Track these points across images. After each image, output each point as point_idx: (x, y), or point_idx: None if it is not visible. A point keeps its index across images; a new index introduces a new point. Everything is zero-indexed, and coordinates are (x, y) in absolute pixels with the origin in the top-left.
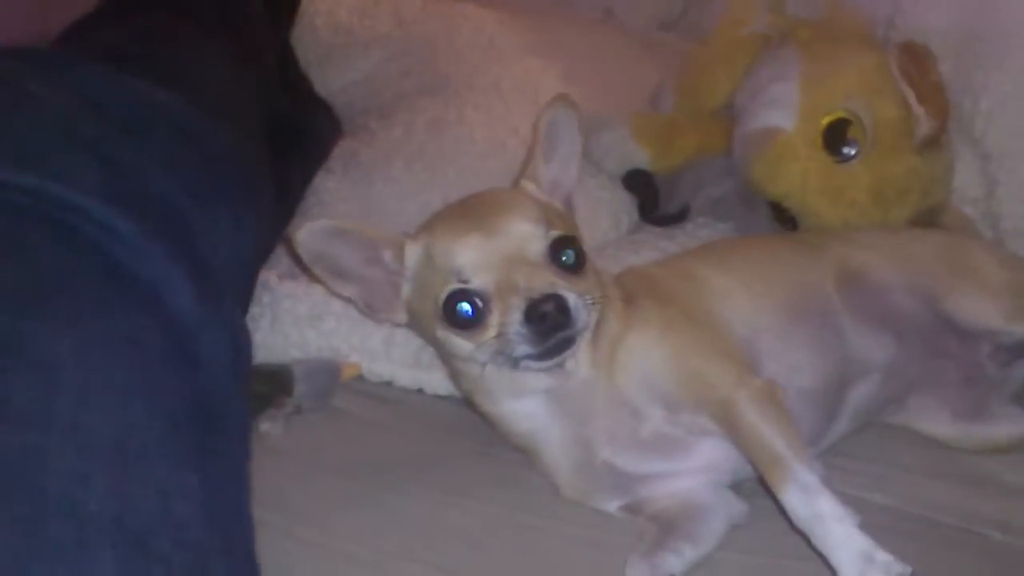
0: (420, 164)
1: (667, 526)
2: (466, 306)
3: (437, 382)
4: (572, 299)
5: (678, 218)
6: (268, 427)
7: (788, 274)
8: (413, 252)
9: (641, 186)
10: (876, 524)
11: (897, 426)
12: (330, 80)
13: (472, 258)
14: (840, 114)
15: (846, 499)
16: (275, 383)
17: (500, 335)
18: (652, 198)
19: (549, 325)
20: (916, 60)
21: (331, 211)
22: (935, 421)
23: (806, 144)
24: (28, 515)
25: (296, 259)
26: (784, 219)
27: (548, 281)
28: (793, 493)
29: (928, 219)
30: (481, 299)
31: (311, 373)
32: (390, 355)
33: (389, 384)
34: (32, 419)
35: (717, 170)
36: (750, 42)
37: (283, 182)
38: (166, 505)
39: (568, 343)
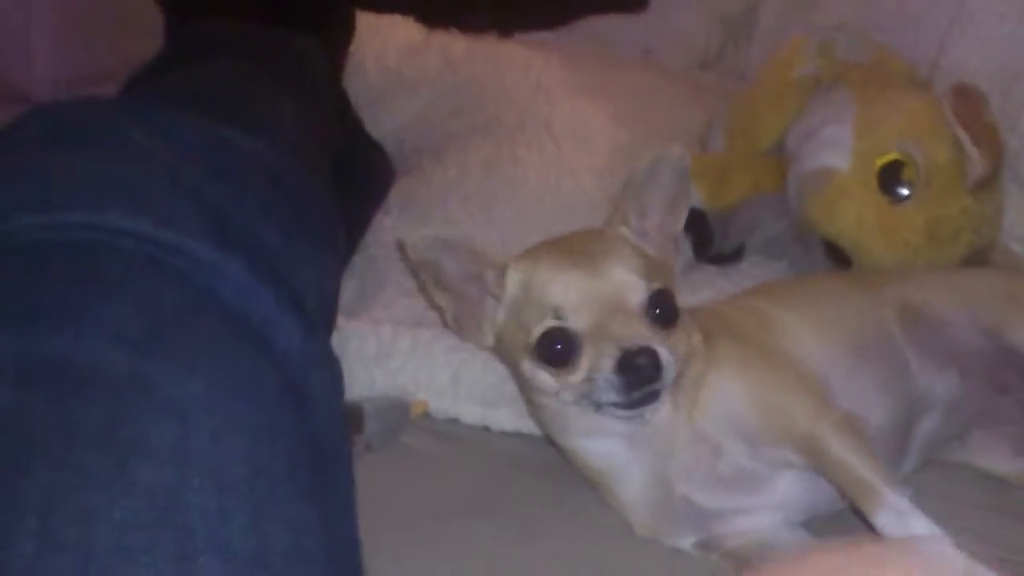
0: (476, 203)
1: (743, 564)
2: (559, 344)
3: (503, 419)
4: (664, 354)
5: (733, 257)
6: None
7: (851, 311)
8: (514, 278)
9: (696, 225)
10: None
11: (958, 464)
12: (381, 122)
13: (572, 298)
14: (894, 156)
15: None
16: (346, 421)
17: (589, 379)
18: (707, 237)
19: (640, 378)
20: (969, 102)
21: (389, 251)
22: (996, 458)
23: (860, 185)
24: (179, 553)
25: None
26: (838, 258)
27: (643, 334)
28: (887, 516)
29: (980, 258)
30: (575, 340)
31: (381, 411)
32: (457, 392)
33: (456, 421)
34: (171, 458)
35: (771, 209)
36: (800, 84)
37: (343, 219)
38: (297, 541)
39: (654, 396)
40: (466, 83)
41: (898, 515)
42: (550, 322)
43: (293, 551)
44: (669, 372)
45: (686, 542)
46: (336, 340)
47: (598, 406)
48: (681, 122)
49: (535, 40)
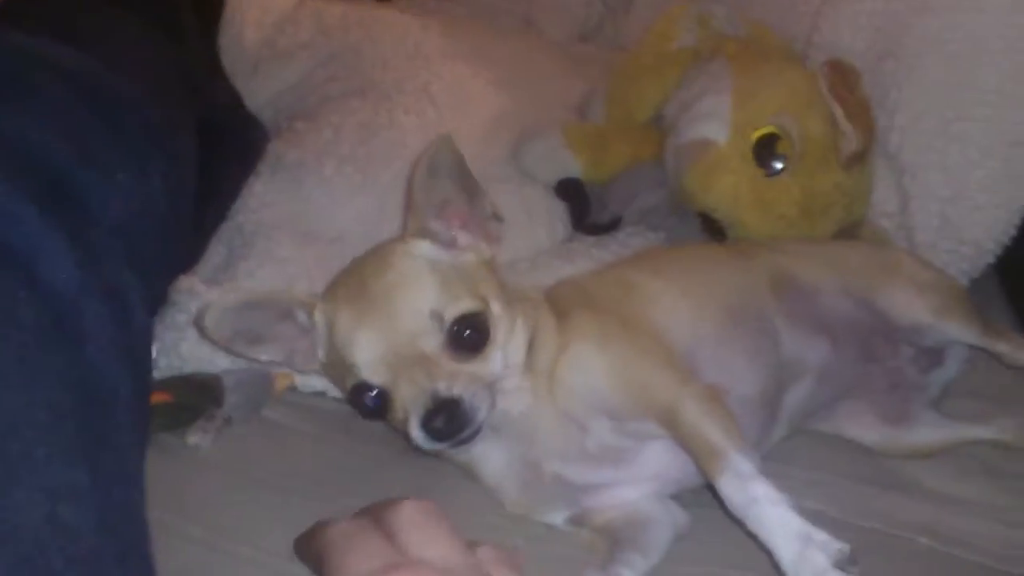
0: (351, 167)
1: (616, 538)
2: (370, 398)
3: None
4: (467, 400)
5: (610, 227)
6: (197, 440)
7: (725, 280)
8: (321, 319)
9: (573, 194)
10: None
11: (826, 433)
12: (258, 93)
13: (367, 357)
14: (770, 129)
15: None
16: (204, 394)
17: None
18: (584, 206)
19: (446, 431)
20: (844, 77)
21: (258, 216)
22: (863, 427)
23: (738, 157)
24: None
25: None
26: (714, 230)
27: (443, 382)
28: (729, 480)
29: (849, 233)
30: (383, 392)
31: (242, 384)
32: None
33: (323, 395)
34: None
35: (649, 180)
36: (679, 55)
37: (212, 186)
38: (53, 512)
39: (469, 437)
40: (341, 50)
41: (740, 478)
42: (355, 378)
43: (47, 525)
44: (478, 413)
45: (558, 517)
46: (197, 308)
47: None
48: (561, 92)
49: (415, 6)
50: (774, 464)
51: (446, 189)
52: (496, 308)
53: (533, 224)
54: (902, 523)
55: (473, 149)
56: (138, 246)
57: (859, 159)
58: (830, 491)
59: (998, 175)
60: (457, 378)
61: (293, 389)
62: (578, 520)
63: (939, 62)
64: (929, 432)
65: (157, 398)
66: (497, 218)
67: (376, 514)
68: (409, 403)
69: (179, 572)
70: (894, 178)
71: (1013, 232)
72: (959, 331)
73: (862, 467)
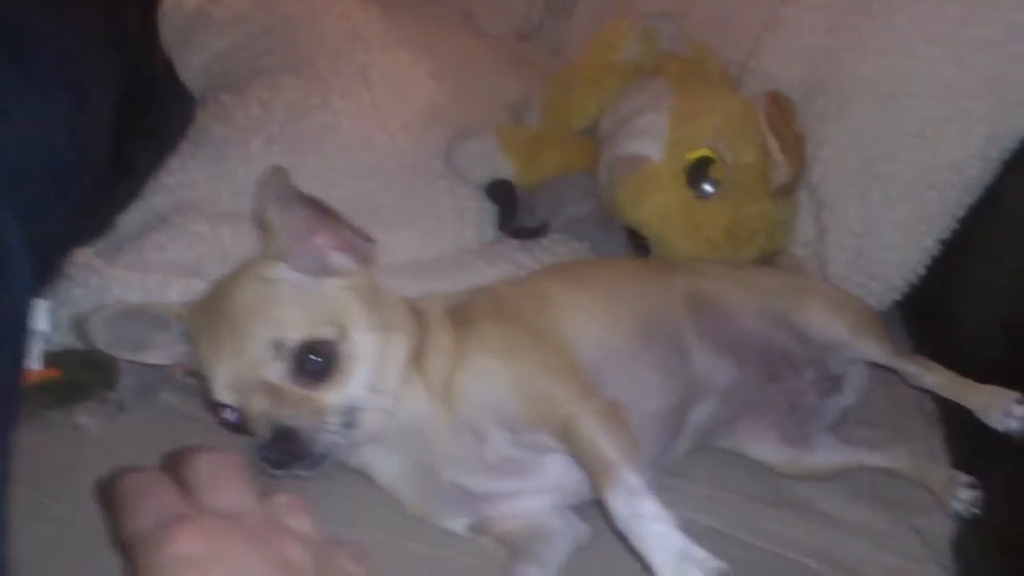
0: (279, 147)
1: (515, 549)
2: (230, 412)
3: None
4: (305, 431)
5: (536, 233)
6: (85, 421)
7: (641, 296)
8: (189, 332)
9: (503, 197)
10: (700, 546)
11: (727, 450)
12: (190, 64)
13: (219, 381)
14: (705, 152)
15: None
16: (97, 373)
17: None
18: (512, 210)
19: (286, 463)
20: (782, 110)
21: (174, 196)
22: (763, 445)
23: (670, 176)
24: None
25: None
26: (639, 245)
27: (288, 408)
28: (618, 494)
29: (768, 261)
30: (238, 414)
31: (137, 366)
32: None
33: None
34: None
35: (579, 189)
36: (621, 68)
37: (125, 161)
38: None
39: (310, 466)
40: (279, 23)
41: (629, 493)
42: (213, 397)
43: None
44: (317, 443)
45: (458, 524)
46: (97, 284)
47: None
48: (497, 90)
49: None
50: (673, 479)
51: (302, 213)
52: (357, 333)
53: (463, 224)
54: (793, 544)
55: (408, 141)
56: (26, 188)
57: (788, 191)
58: (725, 508)
59: (913, 216)
60: (301, 406)
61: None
62: (478, 528)
63: (868, 102)
64: (826, 455)
65: (45, 374)
66: (366, 239)
67: (173, 464)
68: (256, 429)
69: (52, 557)
70: (813, 209)
71: (922, 271)
72: (873, 349)
73: (758, 486)
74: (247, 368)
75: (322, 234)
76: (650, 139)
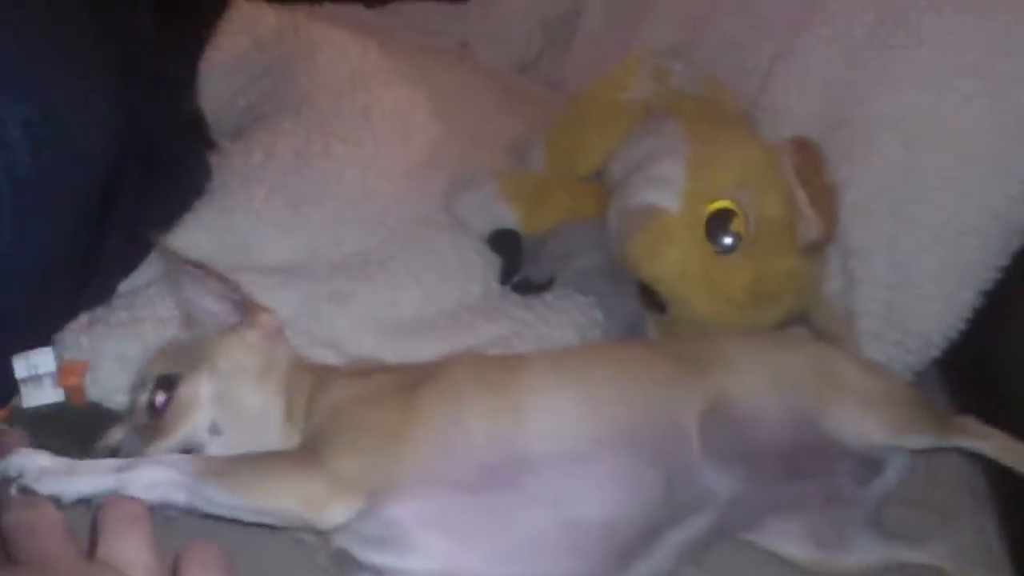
0: (282, 200)
1: None
2: None
3: None
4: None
5: (541, 288)
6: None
7: (638, 402)
8: None
9: (506, 248)
10: None
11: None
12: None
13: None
14: (727, 204)
15: None
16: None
17: None
18: (516, 262)
19: None
20: (810, 159)
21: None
22: (795, 546)
23: (688, 229)
24: None
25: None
26: (652, 303)
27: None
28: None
29: (799, 318)
30: None
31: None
32: None
33: None
34: None
35: (587, 240)
36: (629, 108)
37: (144, 222)
38: None
39: None
40: (275, 63)
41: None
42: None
43: None
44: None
45: None
46: (88, 347)
47: None
48: (497, 129)
49: (346, 18)
50: (699, 572)
51: (190, 279)
52: (205, 375)
53: (468, 279)
54: None
55: (411, 190)
56: None
57: (819, 248)
58: None
59: (948, 265)
60: (145, 435)
61: None
62: None
63: (894, 140)
64: (864, 554)
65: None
66: (234, 294)
67: None
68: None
69: None
70: (839, 258)
71: (961, 326)
72: (916, 442)
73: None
74: (134, 404)
75: (205, 297)
76: (665, 188)
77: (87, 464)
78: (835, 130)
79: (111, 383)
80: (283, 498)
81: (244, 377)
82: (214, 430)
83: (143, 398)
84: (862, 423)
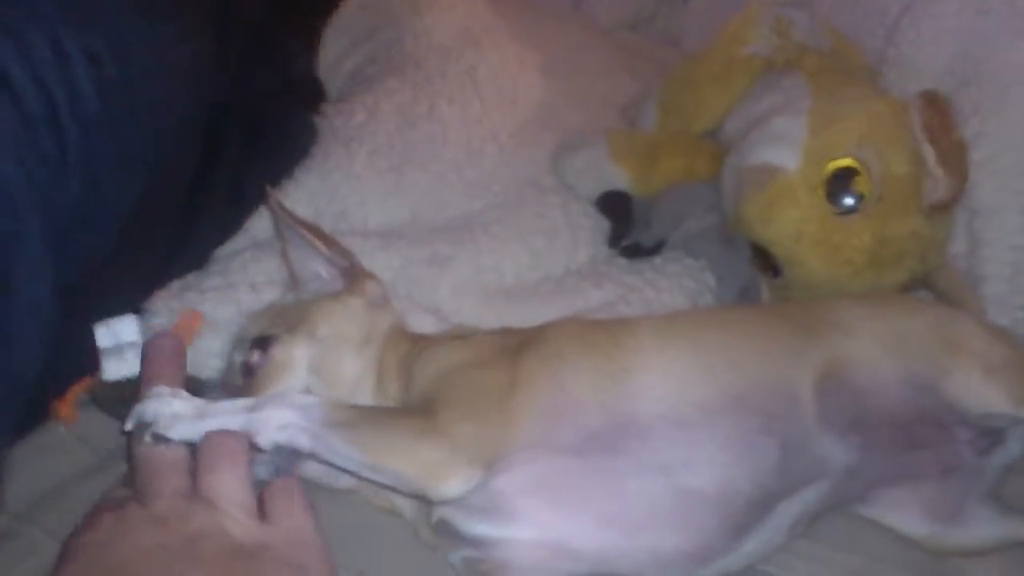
0: (386, 163)
1: None
2: None
3: None
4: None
5: (652, 251)
6: None
7: (751, 367)
8: None
9: (617, 210)
10: None
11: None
12: None
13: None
14: (849, 161)
15: None
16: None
17: None
18: (626, 224)
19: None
20: (939, 114)
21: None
22: (908, 519)
23: (807, 189)
24: None
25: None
26: (767, 266)
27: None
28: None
29: (921, 282)
30: None
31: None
32: None
33: None
34: None
35: (700, 202)
36: (750, 64)
37: (246, 185)
38: None
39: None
40: (382, 22)
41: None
42: None
43: None
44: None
45: (455, 557)
46: (180, 306)
47: None
48: (610, 87)
49: None
50: (810, 543)
51: (299, 238)
52: (302, 339)
53: (576, 243)
54: None
55: (517, 151)
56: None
57: (946, 208)
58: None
59: None
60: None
61: None
62: (470, 564)
63: None
64: (981, 530)
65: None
66: (343, 260)
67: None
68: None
69: None
70: (965, 218)
71: None
72: None
73: (906, 553)
74: (231, 364)
75: (313, 257)
76: (784, 146)
77: (218, 406)
78: (966, 83)
79: (203, 349)
80: (403, 462)
81: (343, 345)
82: (307, 389)
83: (238, 358)
84: (984, 390)
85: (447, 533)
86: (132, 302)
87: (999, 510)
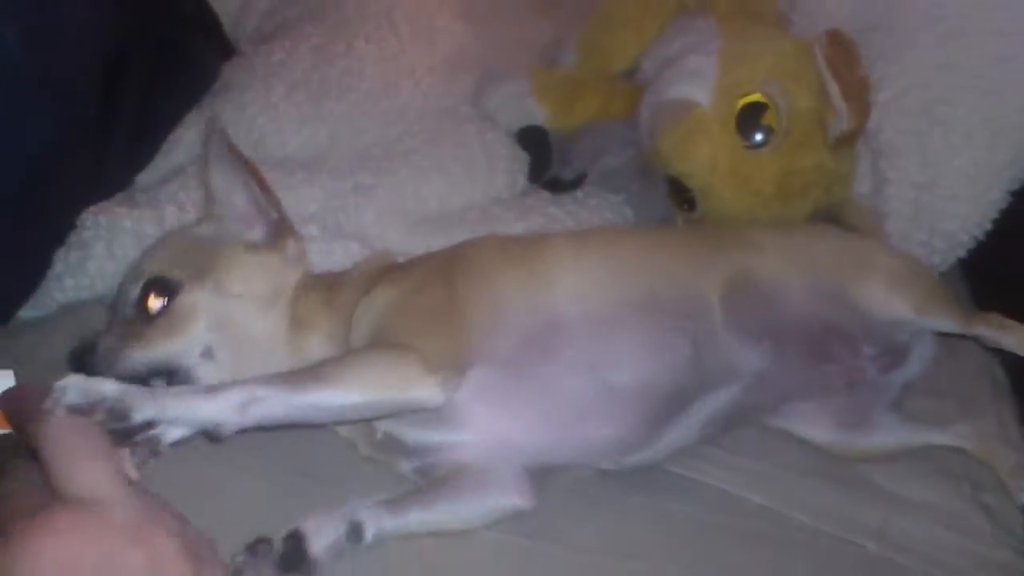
0: (303, 95)
1: (426, 489)
2: None
3: None
4: (101, 351)
5: (572, 185)
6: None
7: (659, 271)
8: None
9: (536, 145)
10: (755, 528)
11: (776, 427)
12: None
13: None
14: (758, 96)
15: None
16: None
17: None
18: (545, 159)
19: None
20: (844, 52)
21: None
22: (816, 428)
23: (719, 123)
24: None
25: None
26: (682, 199)
27: (113, 334)
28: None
29: (827, 215)
30: None
31: None
32: None
33: None
34: None
35: (617, 137)
36: (663, 6)
37: (152, 115)
38: None
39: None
40: None
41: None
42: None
43: None
44: (108, 365)
45: (405, 468)
46: (107, 224)
47: None
48: (528, 31)
49: None
50: (722, 452)
51: (232, 173)
52: (209, 289)
53: (494, 172)
54: (851, 524)
55: (434, 85)
56: None
57: (849, 141)
58: (778, 486)
59: (978, 165)
60: (127, 336)
61: None
62: (422, 472)
63: (929, 39)
64: (885, 436)
65: None
66: (275, 212)
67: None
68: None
69: None
70: (869, 158)
71: (988, 227)
72: (940, 323)
73: (811, 460)
74: (125, 293)
75: (242, 196)
76: (697, 83)
77: (165, 406)
78: (870, 29)
79: (126, 264)
80: (391, 385)
81: (252, 303)
82: (207, 354)
83: (134, 290)
84: (889, 299)
85: (391, 447)
86: (64, 226)
87: (902, 418)
